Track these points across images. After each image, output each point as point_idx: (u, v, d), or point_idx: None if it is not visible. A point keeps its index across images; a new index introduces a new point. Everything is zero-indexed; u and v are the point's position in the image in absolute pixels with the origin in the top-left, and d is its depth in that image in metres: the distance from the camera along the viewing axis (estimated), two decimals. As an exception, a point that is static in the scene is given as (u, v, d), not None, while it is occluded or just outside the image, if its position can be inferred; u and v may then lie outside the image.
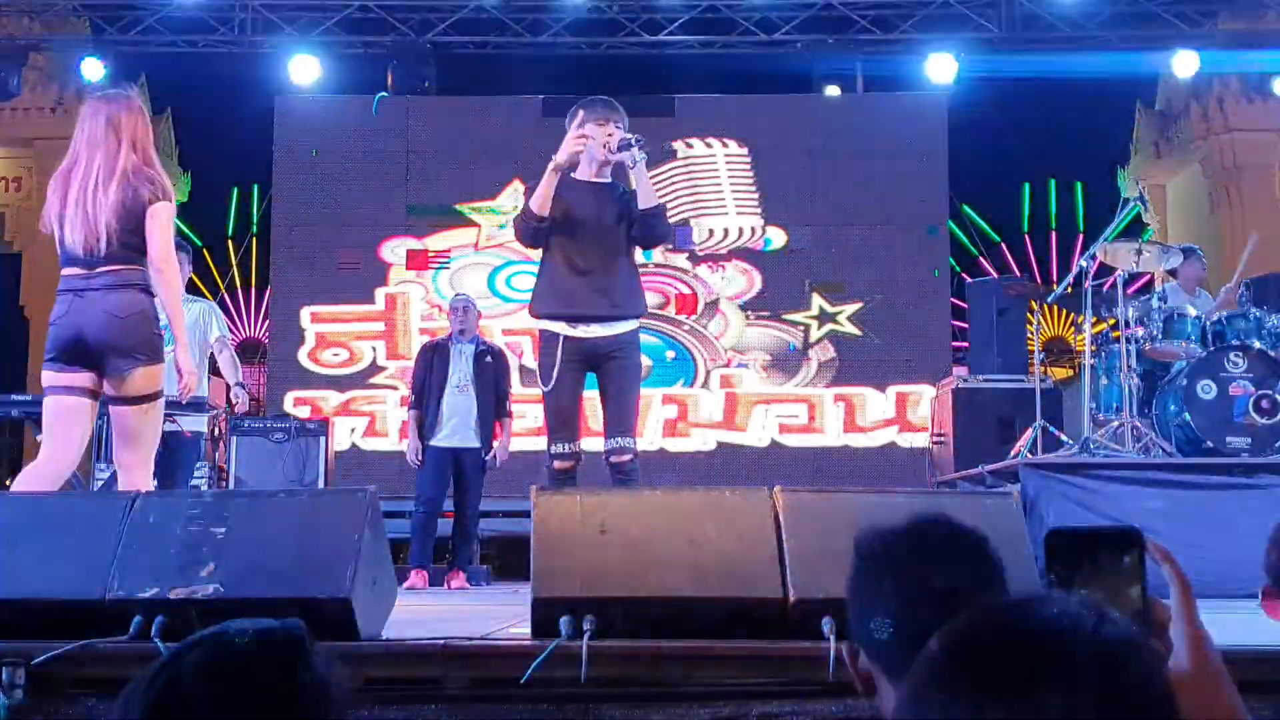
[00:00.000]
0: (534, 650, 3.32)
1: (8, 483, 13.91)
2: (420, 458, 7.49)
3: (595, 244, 4.94)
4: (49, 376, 4.22)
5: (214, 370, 7.38)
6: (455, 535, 7.70)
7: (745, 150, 11.72)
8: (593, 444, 4.98)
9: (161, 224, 4.24)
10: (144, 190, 4.26)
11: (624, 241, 4.97)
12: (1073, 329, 17.23)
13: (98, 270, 4.17)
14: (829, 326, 11.47)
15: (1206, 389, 6.46)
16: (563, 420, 4.87)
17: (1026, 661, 0.96)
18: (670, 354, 11.42)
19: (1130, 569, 1.29)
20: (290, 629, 1.33)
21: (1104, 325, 7.31)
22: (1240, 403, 6.39)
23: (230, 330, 7.19)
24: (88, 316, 4.14)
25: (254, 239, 18.95)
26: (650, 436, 10.88)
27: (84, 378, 4.20)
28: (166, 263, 4.23)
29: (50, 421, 4.24)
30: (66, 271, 4.24)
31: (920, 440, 10.29)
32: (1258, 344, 6.58)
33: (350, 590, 3.42)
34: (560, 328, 4.86)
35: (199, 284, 17.74)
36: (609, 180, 5.14)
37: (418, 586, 7.23)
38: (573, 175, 5.10)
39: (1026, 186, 18.57)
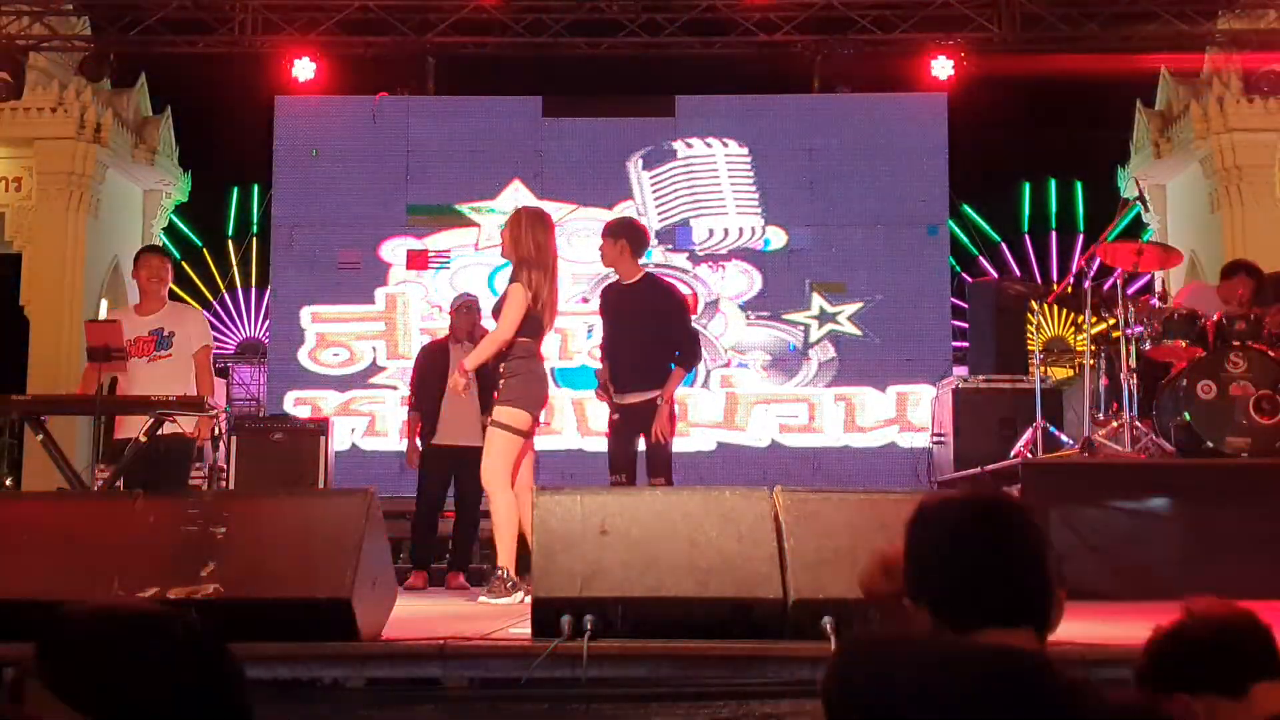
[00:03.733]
0: (534, 650, 3.32)
1: (8, 483, 13.89)
2: (420, 458, 7.48)
3: None
4: None
5: (217, 372, 7.36)
6: (455, 535, 7.70)
7: (745, 150, 11.71)
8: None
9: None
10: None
11: None
12: (1073, 329, 17.24)
13: None
14: (829, 326, 11.46)
15: (1207, 389, 6.45)
16: None
17: None
18: (670, 354, 11.40)
19: None
20: None
21: (1104, 325, 7.30)
22: (1240, 403, 6.38)
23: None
24: None
25: (254, 239, 18.94)
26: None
27: None
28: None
29: None
30: None
31: (920, 440, 10.28)
32: (1258, 344, 6.57)
33: (350, 590, 3.42)
34: None
35: (179, 291, 17.73)
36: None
37: (418, 586, 7.22)
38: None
39: (1026, 186, 18.58)
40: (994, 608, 1.74)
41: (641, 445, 6.35)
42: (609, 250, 6.37)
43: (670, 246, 11.40)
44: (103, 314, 13.38)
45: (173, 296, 6.90)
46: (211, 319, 7.93)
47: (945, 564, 1.77)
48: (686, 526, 3.59)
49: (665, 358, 6.30)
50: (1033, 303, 8.78)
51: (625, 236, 6.39)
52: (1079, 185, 18.21)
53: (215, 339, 16.37)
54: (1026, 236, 18.54)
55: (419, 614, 4.77)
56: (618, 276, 6.50)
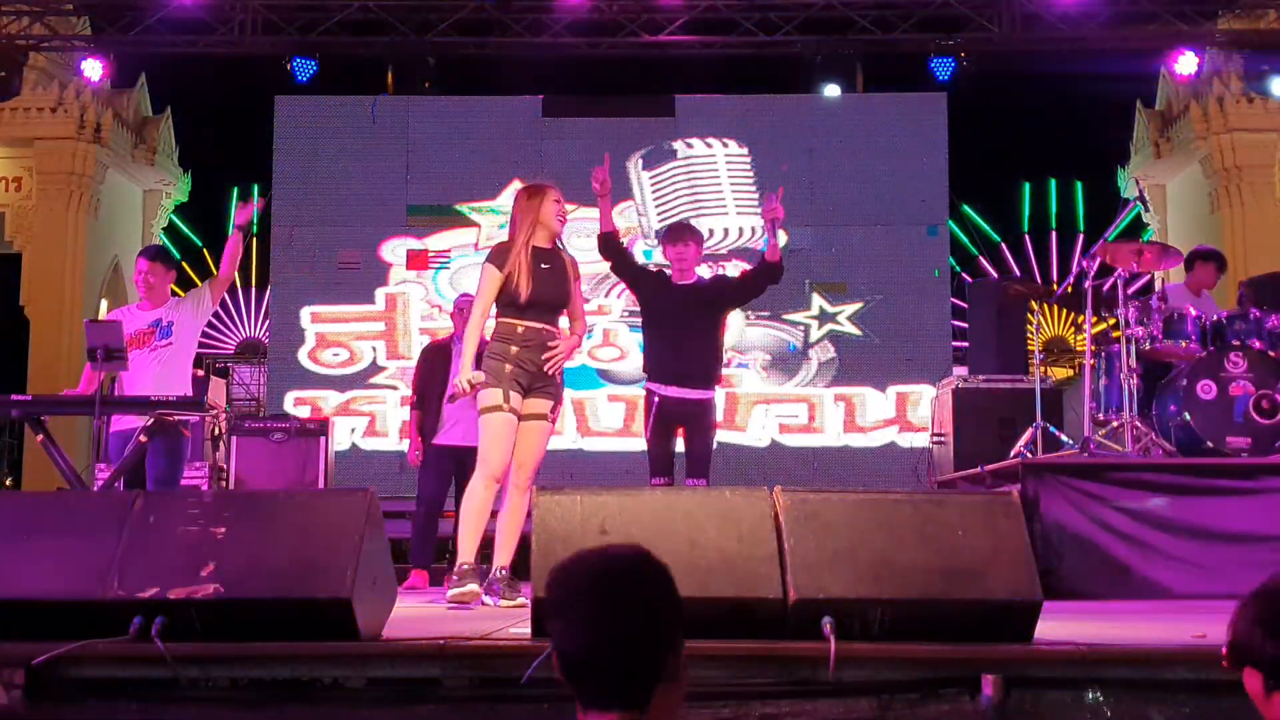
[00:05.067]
0: (534, 650, 3.31)
1: (8, 483, 13.87)
2: (421, 458, 7.48)
3: None
4: None
5: (217, 372, 7.36)
6: (455, 535, 7.69)
7: (745, 150, 11.72)
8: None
9: None
10: None
11: None
12: (1073, 329, 17.23)
13: None
14: (829, 326, 11.47)
15: (1207, 389, 6.45)
16: None
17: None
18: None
19: None
20: None
21: (1104, 325, 7.30)
22: (1240, 403, 6.39)
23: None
24: None
25: (254, 239, 18.94)
26: (650, 436, 10.89)
27: None
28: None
29: None
30: None
31: (920, 440, 10.28)
32: (1258, 344, 6.57)
33: (350, 590, 3.42)
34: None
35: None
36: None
37: (418, 586, 7.22)
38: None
39: (1026, 186, 18.57)
40: (588, 687, 1.70)
41: (680, 446, 6.29)
42: (699, 253, 6.49)
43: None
44: (103, 314, 13.39)
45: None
46: (212, 319, 7.90)
47: (560, 627, 1.73)
48: (686, 526, 3.59)
49: (714, 359, 6.31)
50: (1033, 303, 8.76)
51: (704, 243, 6.81)
52: (1079, 185, 18.21)
53: (215, 339, 16.42)
54: (1026, 236, 18.54)
55: (419, 614, 4.77)
56: (672, 273, 6.41)
